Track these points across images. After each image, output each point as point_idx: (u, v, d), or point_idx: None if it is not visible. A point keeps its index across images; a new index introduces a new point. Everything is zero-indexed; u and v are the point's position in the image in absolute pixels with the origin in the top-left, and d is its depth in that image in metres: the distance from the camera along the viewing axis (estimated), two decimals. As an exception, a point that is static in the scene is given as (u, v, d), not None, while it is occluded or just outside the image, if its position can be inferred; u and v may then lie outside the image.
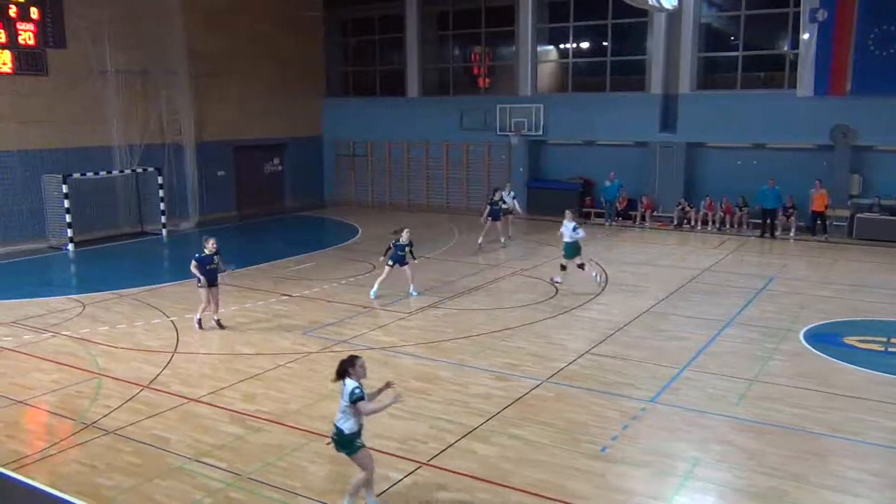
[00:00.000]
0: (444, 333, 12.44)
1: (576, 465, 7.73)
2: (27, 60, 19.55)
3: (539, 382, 10.06)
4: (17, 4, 19.10)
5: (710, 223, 22.68)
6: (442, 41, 28.89)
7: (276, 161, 28.81)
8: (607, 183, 23.92)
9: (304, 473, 7.55)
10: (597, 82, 25.48)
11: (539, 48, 26.24)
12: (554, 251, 19.50)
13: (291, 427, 8.67)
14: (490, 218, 19.84)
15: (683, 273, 16.85)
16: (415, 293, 14.81)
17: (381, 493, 7.09)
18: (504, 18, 26.56)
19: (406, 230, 14.76)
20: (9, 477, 7.44)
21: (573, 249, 15.27)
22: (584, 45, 26.62)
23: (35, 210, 20.60)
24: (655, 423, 8.83)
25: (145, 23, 22.45)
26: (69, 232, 20.40)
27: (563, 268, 15.54)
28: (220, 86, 25.14)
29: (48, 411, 9.42)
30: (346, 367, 6.56)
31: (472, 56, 29.01)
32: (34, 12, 19.46)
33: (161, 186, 22.94)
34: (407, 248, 14.69)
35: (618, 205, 24.03)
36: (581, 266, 15.35)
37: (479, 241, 19.83)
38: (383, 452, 7.90)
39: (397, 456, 7.88)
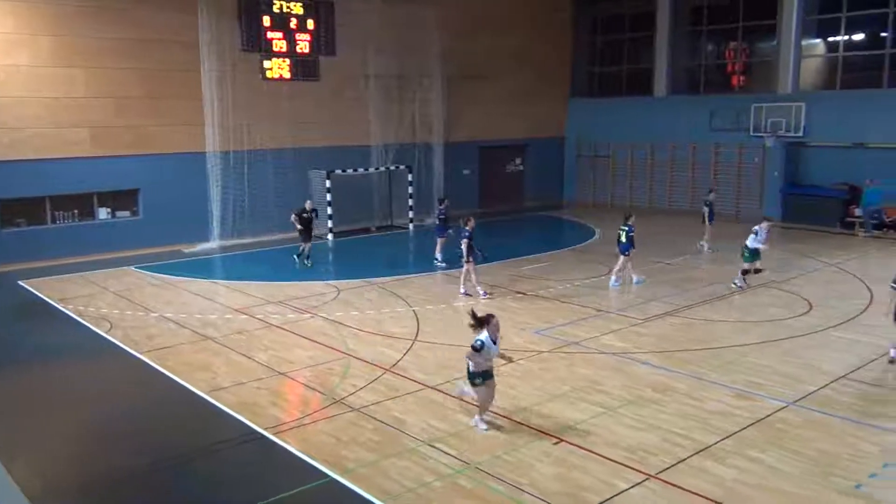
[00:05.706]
0: (680, 343, 11.92)
1: (823, 499, 7.04)
2: (302, 67, 21.83)
3: (786, 405, 9.28)
4: (296, 17, 21.37)
5: None
6: (694, 37, 27.65)
7: (518, 161, 29.48)
8: (865, 190, 21.63)
9: (530, 470, 7.63)
10: (870, 78, 22.89)
11: (803, 42, 24.18)
12: (811, 263, 17.94)
13: (520, 423, 8.79)
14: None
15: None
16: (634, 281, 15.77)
17: (606, 500, 6.99)
18: (766, 11, 24.80)
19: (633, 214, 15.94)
20: (268, 439, 8.43)
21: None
22: (858, 36, 23.97)
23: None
24: (926, 465, 7.78)
25: (405, 30, 23.95)
26: (329, 223, 22.38)
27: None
28: (469, 88, 26.13)
29: (304, 384, 10.43)
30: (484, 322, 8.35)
31: (727, 52, 27.39)
32: (310, 23, 21.67)
33: (411, 184, 24.36)
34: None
35: (885, 216, 21.49)
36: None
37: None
38: (610, 460, 7.77)
39: (625, 465, 7.70)
